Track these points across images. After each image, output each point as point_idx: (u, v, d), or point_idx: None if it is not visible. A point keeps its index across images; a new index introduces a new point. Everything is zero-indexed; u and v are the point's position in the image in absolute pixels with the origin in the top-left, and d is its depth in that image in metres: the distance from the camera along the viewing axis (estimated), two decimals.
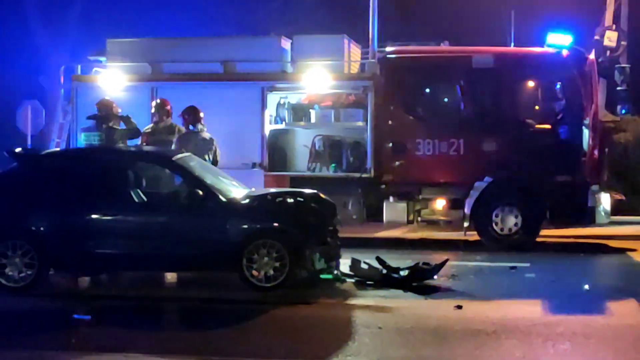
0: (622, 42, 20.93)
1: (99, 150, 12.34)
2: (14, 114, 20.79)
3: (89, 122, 13.77)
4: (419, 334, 8.25)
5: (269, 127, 15.14)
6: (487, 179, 13.97)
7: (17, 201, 10.72)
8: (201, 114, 13.33)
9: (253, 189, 11.32)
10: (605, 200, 14.03)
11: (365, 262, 10.86)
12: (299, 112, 15.23)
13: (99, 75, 15.59)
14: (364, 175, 14.72)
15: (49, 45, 25.78)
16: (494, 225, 13.93)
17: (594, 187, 13.87)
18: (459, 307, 9.27)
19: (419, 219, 14.57)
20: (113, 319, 9.21)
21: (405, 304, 9.62)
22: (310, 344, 7.99)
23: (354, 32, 16.37)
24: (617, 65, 20.83)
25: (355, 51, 15.96)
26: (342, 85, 15.06)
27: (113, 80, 15.24)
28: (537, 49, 14.62)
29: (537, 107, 14.46)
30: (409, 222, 14.65)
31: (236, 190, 10.86)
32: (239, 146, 14.01)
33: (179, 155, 11.20)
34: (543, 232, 14.19)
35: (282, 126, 15.35)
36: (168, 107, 13.79)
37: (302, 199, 10.86)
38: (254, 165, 14.89)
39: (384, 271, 10.77)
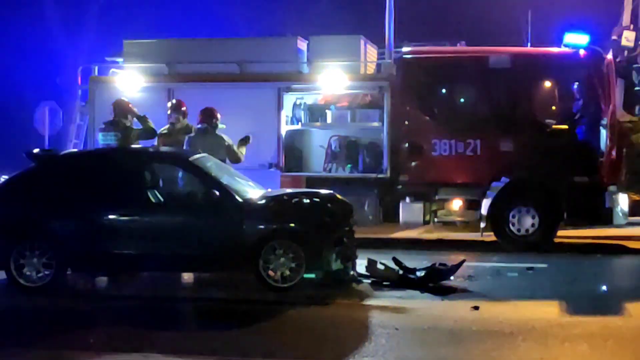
0: None
1: (116, 151, 12.38)
2: (31, 115, 20.93)
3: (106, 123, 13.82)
4: (435, 335, 8.23)
5: (285, 128, 15.16)
6: (504, 180, 13.93)
7: (35, 202, 10.77)
8: (218, 115, 13.34)
9: (269, 190, 11.34)
10: (623, 201, 13.96)
11: (381, 263, 10.85)
12: (315, 113, 15.25)
13: (116, 76, 15.65)
14: (380, 176, 14.72)
15: (67, 47, 25.93)
16: (510, 225, 13.89)
17: (612, 188, 13.80)
18: (476, 308, 9.24)
19: (436, 219, 14.54)
20: (131, 319, 9.25)
21: (422, 305, 9.61)
22: (326, 344, 7.99)
23: (370, 33, 16.37)
24: (635, 65, 20.67)
25: (372, 51, 15.96)
26: (358, 85, 15.06)
27: (130, 81, 15.30)
28: (554, 49, 14.57)
29: (554, 108, 14.40)
30: (425, 222, 14.63)
31: (252, 191, 10.87)
32: (255, 147, 14.01)
33: (196, 156, 11.23)
34: (560, 232, 14.14)
35: (298, 127, 15.37)
36: (184, 108, 13.81)
37: (318, 200, 10.86)
38: (270, 165, 14.92)
39: (401, 272, 10.76)
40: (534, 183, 14.04)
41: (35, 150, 11.44)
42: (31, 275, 10.43)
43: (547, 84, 14.42)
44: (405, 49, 14.87)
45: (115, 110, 13.69)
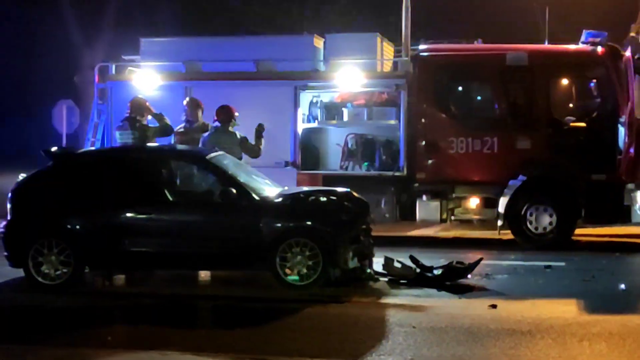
0: None
1: (133, 149, 12.42)
2: (49, 114, 21.05)
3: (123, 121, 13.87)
4: (452, 333, 8.21)
5: (301, 126, 15.16)
6: (522, 178, 13.87)
7: (53, 200, 10.82)
8: (236, 113, 13.37)
9: (286, 188, 11.35)
10: None
11: (398, 261, 10.84)
12: (332, 111, 15.22)
13: (133, 75, 15.70)
14: (397, 174, 14.69)
15: (84, 45, 26.04)
16: (528, 224, 13.83)
17: (630, 186, 13.72)
18: (494, 306, 9.22)
19: (452, 217, 14.51)
20: (148, 317, 9.28)
21: (439, 303, 9.59)
22: (343, 342, 7.99)
23: (387, 30, 16.35)
24: None
25: (388, 49, 15.93)
26: (375, 83, 15.03)
27: (147, 79, 15.33)
28: (572, 46, 14.50)
29: (571, 105, 14.34)
30: (442, 220, 14.59)
31: (269, 189, 10.88)
32: (272, 145, 14.03)
33: (213, 154, 11.24)
34: (578, 231, 14.07)
35: (314, 125, 15.35)
36: (201, 106, 13.87)
37: (334, 198, 10.87)
38: (286, 164, 14.91)
39: (418, 270, 10.74)
40: (551, 181, 13.98)
41: (53, 149, 11.48)
42: (49, 273, 10.48)
43: (565, 81, 14.36)
44: (422, 47, 14.81)
45: (131, 108, 13.75)
